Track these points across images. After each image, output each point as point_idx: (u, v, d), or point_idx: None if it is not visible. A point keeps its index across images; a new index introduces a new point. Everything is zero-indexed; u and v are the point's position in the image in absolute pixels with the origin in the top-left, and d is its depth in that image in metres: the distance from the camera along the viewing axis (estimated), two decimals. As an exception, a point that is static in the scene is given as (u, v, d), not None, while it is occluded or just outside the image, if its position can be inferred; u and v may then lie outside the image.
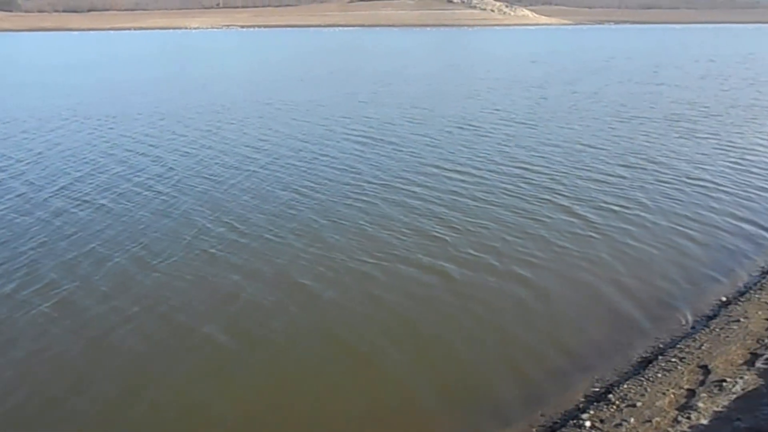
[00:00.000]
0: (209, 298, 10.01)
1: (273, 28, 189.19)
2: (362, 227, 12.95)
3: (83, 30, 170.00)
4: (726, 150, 19.97)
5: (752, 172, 17.17)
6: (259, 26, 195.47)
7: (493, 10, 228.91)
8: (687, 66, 54.45)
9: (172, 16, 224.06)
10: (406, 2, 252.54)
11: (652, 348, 8.29)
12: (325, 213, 13.86)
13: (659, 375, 7.36)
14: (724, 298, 9.60)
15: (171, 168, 18.10)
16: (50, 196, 15.32)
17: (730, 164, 18.13)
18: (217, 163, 18.59)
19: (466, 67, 55.18)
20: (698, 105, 29.77)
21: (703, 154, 19.50)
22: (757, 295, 9.32)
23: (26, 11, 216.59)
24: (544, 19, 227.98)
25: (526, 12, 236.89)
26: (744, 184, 16.04)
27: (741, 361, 7.44)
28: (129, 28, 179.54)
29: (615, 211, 13.70)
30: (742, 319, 8.51)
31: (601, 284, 10.29)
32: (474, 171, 17.40)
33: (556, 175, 16.84)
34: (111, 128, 24.41)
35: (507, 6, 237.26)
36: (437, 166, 17.91)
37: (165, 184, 16.38)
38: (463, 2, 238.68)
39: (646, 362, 7.88)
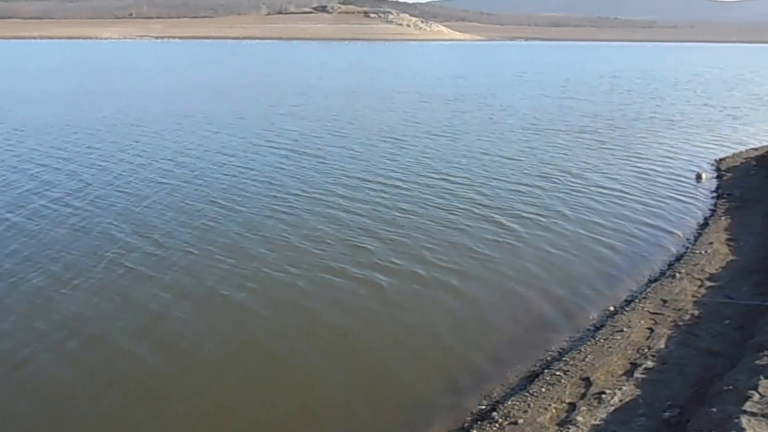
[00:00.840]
0: (136, 318, 9.48)
1: (189, 39, 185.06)
2: (288, 240, 12.74)
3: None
4: (630, 159, 21.02)
5: (656, 181, 18.05)
6: (174, 37, 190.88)
7: (409, 25, 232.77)
8: (593, 81, 57.01)
9: (81, 26, 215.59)
10: (323, 16, 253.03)
11: (540, 361, 8.32)
12: (250, 227, 13.53)
13: (543, 389, 7.37)
14: (611, 308, 9.81)
15: (87, 183, 17.12)
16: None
17: (635, 173, 19.03)
18: (136, 178, 17.76)
19: (386, 81, 55.68)
20: (604, 118, 31.26)
21: (609, 164, 20.41)
22: (641, 305, 9.55)
23: None
24: (458, 35, 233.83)
25: (441, 27, 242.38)
26: (647, 192, 16.80)
27: (621, 372, 7.56)
28: (35, 37, 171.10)
29: (512, 223, 13.92)
30: (625, 329, 8.69)
31: (499, 297, 10.36)
32: (398, 182, 17.50)
33: (476, 186, 17.21)
34: (20, 141, 22.95)
35: (423, 21, 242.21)
36: (361, 178, 17.89)
37: (82, 199, 15.47)
38: (380, 17, 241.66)
39: (533, 376, 7.89)
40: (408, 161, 20.39)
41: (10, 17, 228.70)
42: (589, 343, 8.51)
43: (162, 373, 8.15)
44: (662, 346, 8.07)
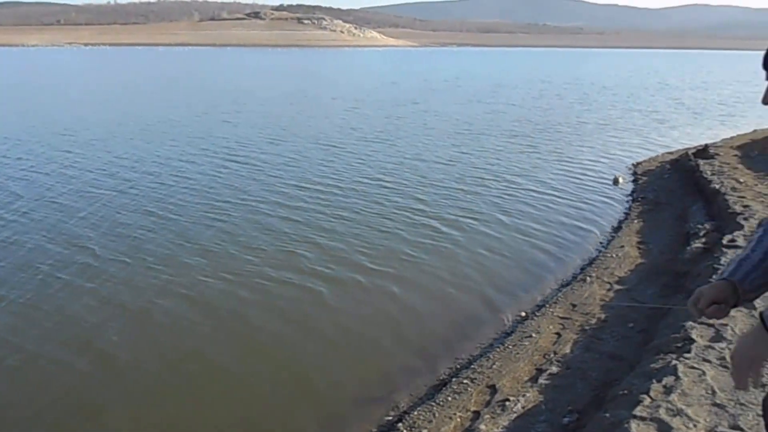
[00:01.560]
0: (74, 332, 9.04)
1: (119, 46, 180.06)
2: (225, 248, 12.46)
3: None
4: (554, 163, 21.58)
5: (576, 185, 18.48)
6: (104, 44, 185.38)
7: (342, 32, 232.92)
8: (523, 86, 58.37)
9: (7, 32, 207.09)
10: (256, 22, 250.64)
11: (449, 370, 8.30)
12: (186, 236, 13.17)
13: (449, 398, 7.34)
14: (523, 314, 9.90)
15: (18, 195, 16.27)
16: None
17: (557, 177, 19.48)
18: (68, 190, 17.00)
19: (321, 87, 55.50)
20: (533, 122, 32.06)
21: (535, 167, 20.86)
22: (551, 309, 9.68)
23: None
24: (392, 41, 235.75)
25: (375, 34, 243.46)
26: (567, 196, 17.15)
27: (526, 378, 7.60)
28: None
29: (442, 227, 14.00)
30: (534, 335, 8.77)
31: (418, 305, 10.30)
32: (335, 189, 17.39)
33: (412, 191, 17.32)
34: None
35: (356, 28, 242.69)
36: (297, 186, 17.69)
37: (12, 213, 14.69)
38: (314, 23, 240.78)
39: (441, 385, 7.85)
40: (344, 167, 20.41)
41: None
42: (498, 349, 8.54)
43: (103, 387, 7.86)
44: (567, 351, 8.17)
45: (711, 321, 7.34)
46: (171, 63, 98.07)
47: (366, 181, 18.55)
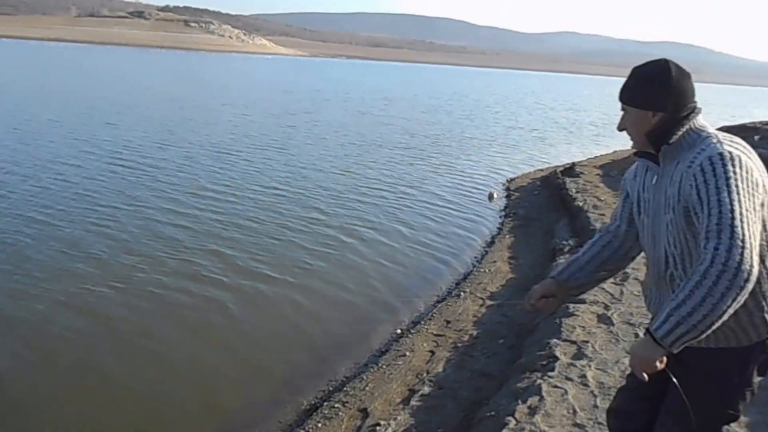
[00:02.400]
0: None
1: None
2: (116, 257, 11.71)
3: None
4: (435, 178, 22.02)
5: (453, 200, 18.82)
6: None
7: (231, 37, 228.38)
8: (412, 100, 59.65)
9: None
10: (140, 22, 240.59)
11: (322, 393, 8.05)
12: (71, 243, 12.24)
13: (320, 424, 7.09)
14: (399, 330, 9.85)
15: None
16: None
17: (437, 192, 19.79)
18: None
19: (209, 93, 53.62)
20: (420, 136, 32.87)
21: (416, 180, 21.18)
22: (426, 326, 9.68)
23: None
24: (281, 49, 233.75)
25: (264, 41, 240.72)
26: (445, 211, 17.41)
27: (399, 400, 7.50)
28: None
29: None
30: (408, 353, 8.72)
31: (301, 320, 10.01)
32: (230, 197, 16.86)
33: (307, 200, 17.18)
34: None
35: (245, 34, 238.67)
36: (191, 192, 16.96)
37: None
38: (201, 27, 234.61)
39: (312, 410, 7.60)
40: (238, 174, 19.90)
41: None
42: (372, 369, 8.40)
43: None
44: (440, 369, 8.16)
45: (574, 338, 7.59)
46: (45, 59, 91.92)
47: (261, 189, 18.17)
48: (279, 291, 11.03)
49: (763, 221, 2.36)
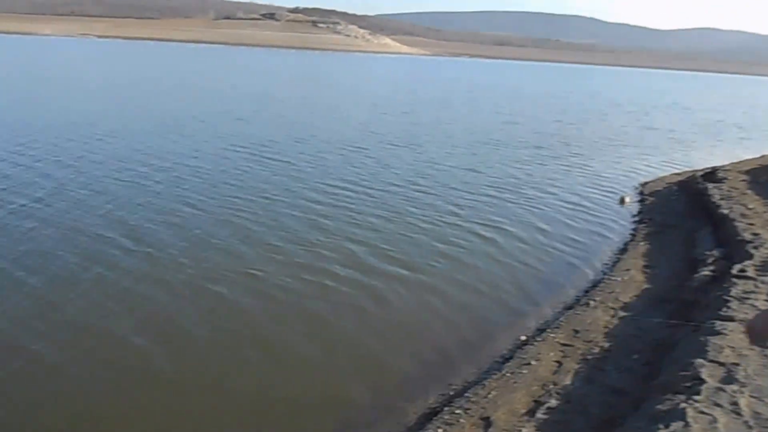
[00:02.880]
0: (98, 329, 8.87)
1: (132, 40, 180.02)
2: (248, 246, 12.45)
3: None
4: (566, 179, 21.20)
5: (583, 204, 17.89)
6: (118, 37, 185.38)
7: (356, 37, 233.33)
8: (539, 100, 58.16)
9: (20, 21, 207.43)
10: (271, 23, 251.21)
11: (443, 397, 7.84)
12: (209, 232, 13.02)
13: (440, 430, 6.89)
14: (523, 338, 9.45)
15: (38, 186, 15.93)
16: None
17: (567, 193, 19.02)
18: (85, 183, 16.55)
19: (338, 91, 55.39)
20: (549, 136, 31.97)
21: (546, 181, 20.56)
22: (553, 335, 9.22)
23: None
24: (404, 49, 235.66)
25: (388, 40, 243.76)
26: (573, 214, 16.65)
27: (523, 411, 7.14)
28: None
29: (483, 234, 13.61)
30: (533, 362, 8.31)
31: (429, 318, 9.94)
32: (363, 193, 17.27)
33: (442, 199, 17.19)
34: None
35: (370, 34, 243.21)
36: (323, 188, 17.54)
37: (32, 203, 14.36)
38: (329, 27, 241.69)
39: (432, 415, 7.40)
40: (369, 171, 20.33)
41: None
42: (495, 377, 8.08)
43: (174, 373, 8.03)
44: (568, 382, 7.71)
45: (722, 359, 6.90)
46: (187, 60, 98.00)
47: (391, 185, 18.47)
48: (409, 289, 10.97)
49: None
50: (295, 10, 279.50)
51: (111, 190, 16.10)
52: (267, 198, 16.18)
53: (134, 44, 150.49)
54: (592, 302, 10.39)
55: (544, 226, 15.25)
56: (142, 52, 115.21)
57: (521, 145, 28.27)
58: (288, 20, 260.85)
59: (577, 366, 8.14)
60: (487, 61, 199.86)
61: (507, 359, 8.71)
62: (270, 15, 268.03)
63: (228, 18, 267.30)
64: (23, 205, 14.20)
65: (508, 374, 8.07)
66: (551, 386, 7.62)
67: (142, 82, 52.14)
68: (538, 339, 9.20)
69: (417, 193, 17.68)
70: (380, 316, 9.94)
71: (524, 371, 8.09)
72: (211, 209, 14.85)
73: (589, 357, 8.37)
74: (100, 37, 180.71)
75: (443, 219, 15.16)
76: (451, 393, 7.91)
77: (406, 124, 33.61)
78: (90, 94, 39.92)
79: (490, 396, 7.51)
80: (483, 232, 14.36)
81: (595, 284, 11.58)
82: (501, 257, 12.88)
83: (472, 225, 14.85)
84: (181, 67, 78.39)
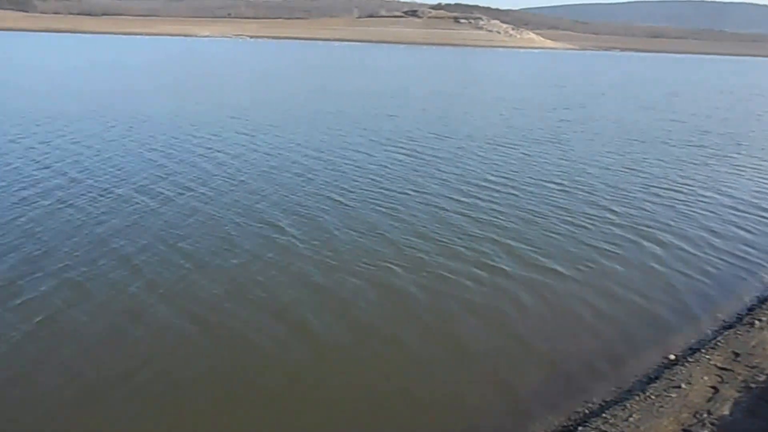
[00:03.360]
0: (273, 306, 9.50)
1: (282, 39, 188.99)
2: (402, 237, 12.64)
3: (96, 33, 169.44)
4: (729, 182, 19.21)
5: (751, 213, 15.84)
6: (268, 37, 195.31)
7: (499, 32, 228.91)
8: (702, 95, 53.78)
9: (183, 24, 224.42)
10: (413, 20, 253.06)
11: (576, 415, 7.18)
12: (364, 222, 13.50)
13: (573, 454, 6.26)
14: (672, 356, 8.49)
15: (209, 174, 17.34)
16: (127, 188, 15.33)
17: (732, 199, 17.08)
18: (252, 171, 17.79)
19: (480, 87, 54.57)
20: (715, 135, 29.09)
21: (708, 184, 18.69)
22: (708, 356, 8.20)
23: (42, 12, 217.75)
24: (549, 43, 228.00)
25: (532, 35, 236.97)
26: (741, 223, 14.88)
27: (670, 441, 6.34)
28: (140, 34, 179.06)
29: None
30: (683, 385, 7.40)
31: (562, 323, 9.39)
32: (510, 189, 17.00)
33: (597, 197, 16.49)
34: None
35: (513, 29, 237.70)
36: (471, 182, 17.56)
37: (207, 190, 15.64)
38: (470, 23, 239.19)
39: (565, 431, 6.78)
40: (516, 168, 19.94)
41: (120, 14, 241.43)
42: (637, 398, 7.28)
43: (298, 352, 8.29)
44: (725, 412, 6.76)
45: None
46: (331, 57, 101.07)
47: (541, 182, 17.93)
48: (554, 293, 10.41)
49: None
50: (437, 7, 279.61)
51: (274, 180, 16.88)
52: (415, 191, 16.28)
53: (283, 43, 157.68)
54: (757, 322, 9.17)
55: (710, 233, 13.82)
56: (289, 50, 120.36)
57: (682, 143, 26.23)
58: (430, 17, 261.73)
59: (737, 394, 7.15)
60: (641, 54, 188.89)
61: (652, 379, 7.87)
62: (412, 12, 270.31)
63: (371, 16, 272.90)
64: (203, 194, 15.29)
65: (652, 396, 7.25)
66: (704, 415, 6.73)
67: (288, 79, 54.14)
68: (690, 359, 8.23)
69: (565, 192, 16.87)
70: (519, 321, 9.44)
71: (672, 395, 7.22)
72: (364, 200, 15.22)
73: (753, 385, 7.33)
74: (252, 37, 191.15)
75: (595, 221, 14.27)
76: (587, 411, 7.23)
77: (553, 120, 32.34)
78: (244, 90, 41.92)
79: (631, 419, 6.77)
80: (639, 237, 13.32)
81: (762, 301, 10.26)
82: (657, 264, 11.85)
83: (628, 228, 13.86)
84: (324, 64, 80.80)
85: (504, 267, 11.27)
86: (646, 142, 26.13)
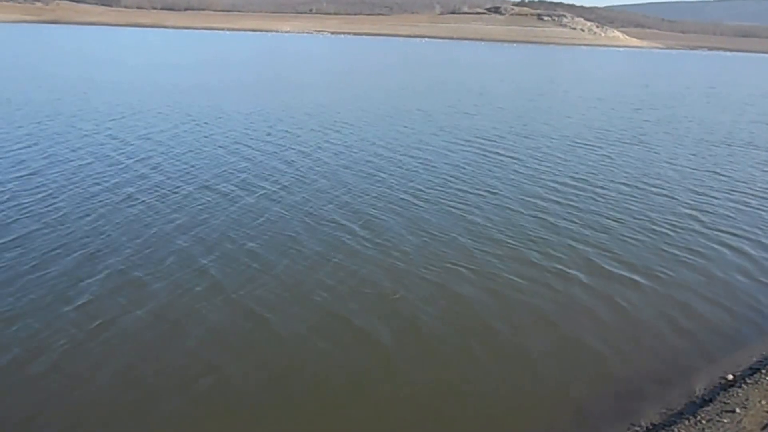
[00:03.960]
0: (324, 306, 9.77)
1: (362, 35, 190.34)
2: (474, 241, 12.64)
3: (179, 28, 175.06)
4: None
5: None
6: (348, 33, 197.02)
7: (582, 30, 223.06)
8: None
9: (265, 19, 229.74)
10: (496, 17, 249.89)
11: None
12: (432, 224, 13.57)
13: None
14: (730, 377, 8.19)
15: (280, 171, 17.82)
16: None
17: None
18: (320, 171, 18.11)
19: (563, 86, 53.56)
20: None
21: None
22: (767, 378, 7.86)
23: (126, 7, 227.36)
24: (634, 41, 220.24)
25: (617, 33, 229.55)
26: None
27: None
28: (223, 29, 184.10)
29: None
30: (738, 410, 7.17)
31: (618, 340, 9.17)
32: (591, 192, 16.86)
33: (681, 203, 16.14)
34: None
35: (597, 26, 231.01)
36: (550, 185, 17.49)
37: (275, 188, 16.02)
38: (554, 20, 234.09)
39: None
40: (597, 170, 19.70)
41: (203, 9, 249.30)
42: (687, 422, 7.09)
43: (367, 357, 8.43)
44: (782, 441, 6.49)
45: None
46: (410, 54, 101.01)
47: (622, 185, 17.66)
48: (640, 294, 10.46)
49: None
50: (521, 3, 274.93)
51: (346, 180, 17.11)
52: (491, 193, 16.27)
53: (363, 39, 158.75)
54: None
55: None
56: (369, 46, 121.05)
57: None
58: (512, 14, 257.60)
59: (794, 422, 6.83)
60: (729, 54, 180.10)
61: (705, 401, 7.74)
62: (495, 9, 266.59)
63: (453, 12, 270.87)
64: (269, 191, 15.66)
65: (703, 421, 7.13)
66: (758, 445, 6.47)
67: (367, 76, 54.52)
68: (748, 381, 7.98)
69: (649, 194, 16.65)
70: (591, 332, 9.33)
71: (725, 420, 7.12)
72: (437, 201, 15.29)
73: (815, 414, 6.98)
74: (333, 33, 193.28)
75: (676, 227, 13.97)
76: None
77: (637, 120, 31.67)
78: (321, 87, 42.44)
79: (678, 443, 6.57)
80: (722, 246, 13.01)
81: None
82: (740, 276, 11.56)
83: (712, 236, 13.53)
84: (404, 60, 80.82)
85: (578, 274, 11.18)
86: (732, 146, 25.27)
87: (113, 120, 24.78)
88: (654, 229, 13.64)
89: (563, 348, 8.80)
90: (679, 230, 13.65)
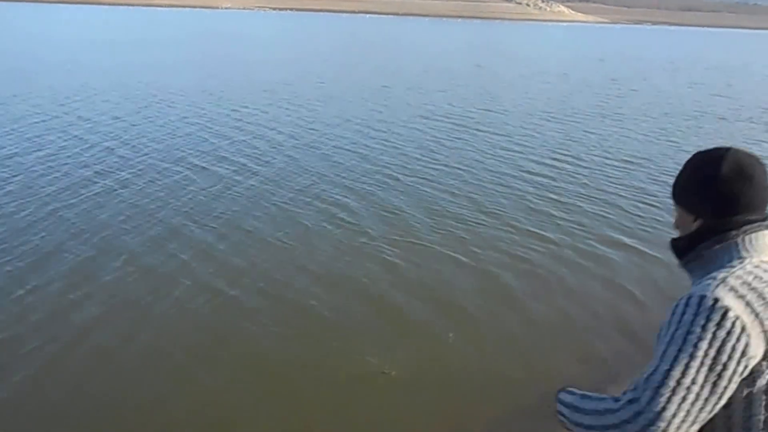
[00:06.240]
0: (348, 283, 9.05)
1: (306, 12, 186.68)
2: (478, 218, 11.92)
3: (116, 5, 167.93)
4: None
5: None
6: (291, 9, 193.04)
7: (528, 5, 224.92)
8: (743, 71, 51.55)
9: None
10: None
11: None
12: (435, 207, 12.58)
13: None
14: None
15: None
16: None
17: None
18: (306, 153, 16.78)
19: (517, 62, 52.85)
20: None
21: None
22: None
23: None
24: (580, 16, 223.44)
25: (562, 8, 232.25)
26: None
27: None
28: (160, 6, 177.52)
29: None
30: None
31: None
32: (580, 167, 16.22)
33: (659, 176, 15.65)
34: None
35: (543, 1, 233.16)
36: (542, 160, 16.76)
37: (270, 174, 14.72)
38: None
39: None
40: (580, 144, 19.12)
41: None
42: None
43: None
44: None
45: None
46: (360, 31, 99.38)
47: (587, 158, 17.12)
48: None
49: (749, 398, 1.90)
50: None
51: (331, 157, 16.28)
52: (462, 169, 15.47)
53: (307, 16, 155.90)
54: None
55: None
56: (314, 23, 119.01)
57: (744, 119, 25.18)
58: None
59: None
60: (672, 28, 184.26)
61: None
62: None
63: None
64: (244, 165, 14.93)
65: None
66: None
67: (321, 54, 52.83)
68: None
69: (616, 171, 15.91)
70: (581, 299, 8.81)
71: None
72: (403, 179, 14.43)
73: None
74: (274, 9, 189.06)
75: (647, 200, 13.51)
76: None
77: (603, 95, 31.31)
78: (273, 64, 40.77)
79: None
80: None
81: None
82: None
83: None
84: (354, 37, 79.13)
85: (568, 246, 10.66)
86: (703, 117, 25.53)
87: (60, 105, 22.19)
88: (646, 203, 13.27)
89: (547, 325, 8.16)
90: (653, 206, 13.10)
